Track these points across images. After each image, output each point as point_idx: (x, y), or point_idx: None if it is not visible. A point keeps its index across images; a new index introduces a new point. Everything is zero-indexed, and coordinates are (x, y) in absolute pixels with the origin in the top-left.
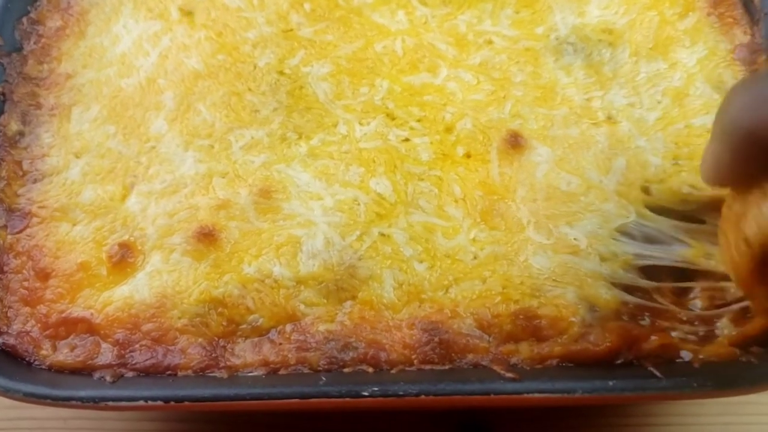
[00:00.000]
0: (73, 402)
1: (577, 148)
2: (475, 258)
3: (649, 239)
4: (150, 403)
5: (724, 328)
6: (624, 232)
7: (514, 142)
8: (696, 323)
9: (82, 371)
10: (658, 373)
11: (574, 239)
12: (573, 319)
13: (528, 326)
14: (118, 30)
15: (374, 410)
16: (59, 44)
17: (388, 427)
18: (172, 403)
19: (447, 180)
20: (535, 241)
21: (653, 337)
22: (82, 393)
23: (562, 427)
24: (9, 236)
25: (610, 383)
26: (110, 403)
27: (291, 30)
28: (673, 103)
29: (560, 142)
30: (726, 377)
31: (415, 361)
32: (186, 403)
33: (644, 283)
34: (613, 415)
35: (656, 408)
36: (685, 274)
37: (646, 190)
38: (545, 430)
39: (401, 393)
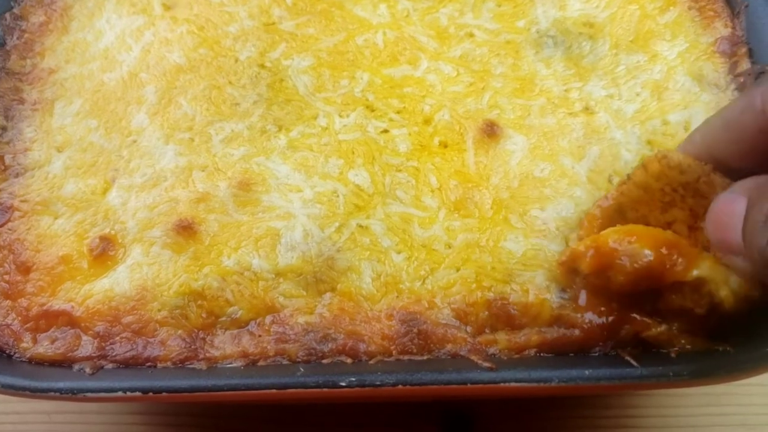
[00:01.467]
0: (52, 393)
1: (552, 137)
2: (449, 247)
3: None
4: (129, 394)
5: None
6: None
7: (490, 131)
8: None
9: (62, 363)
10: (634, 362)
11: (543, 223)
12: (545, 297)
13: (502, 314)
14: (102, 25)
15: (355, 401)
16: (42, 39)
17: (371, 418)
18: (151, 394)
19: (424, 170)
20: (506, 227)
21: (626, 326)
22: (61, 384)
23: (544, 418)
24: None
25: (587, 372)
26: (89, 395)
27: (273, 23)
28: (652, 95)
29: (536, 130)
30: (702, 367)
31: (394, 352)
32: (164, 394)
33: None
34: (593, 406)
35: (636, 400)
36: None
37: (610, 181)
38: (527, 423)
39: (378, 383)
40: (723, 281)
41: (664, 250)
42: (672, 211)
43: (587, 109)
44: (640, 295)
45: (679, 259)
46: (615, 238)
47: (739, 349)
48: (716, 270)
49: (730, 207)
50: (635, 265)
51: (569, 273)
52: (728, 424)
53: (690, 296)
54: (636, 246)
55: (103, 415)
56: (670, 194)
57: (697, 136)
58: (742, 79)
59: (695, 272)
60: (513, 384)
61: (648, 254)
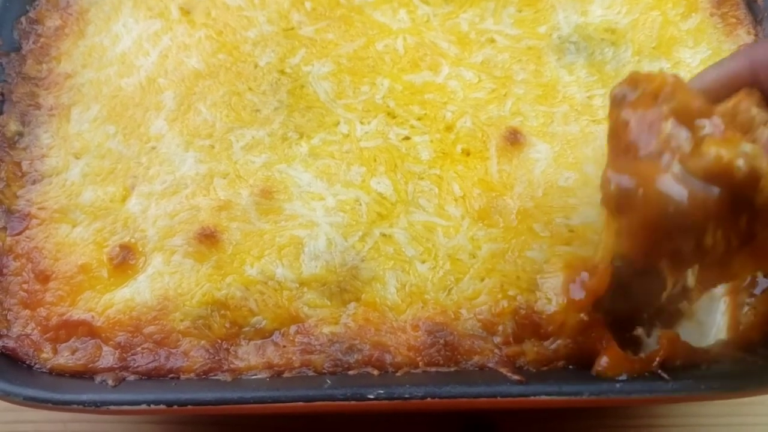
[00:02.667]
0: (75, 406)
1: (576, 145)
2: (474, 257)
3: None
4: (153, 407)
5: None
6: None
7: (513, 139)
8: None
9: (84, 375)
10: (665, 375)
11: (570, 230)
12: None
13: (528, 323)
14: (118, 29)
15: (382, 413)
16: (58, 44)
17: (391, 426)
18: (175, 407)
19: (446, 178)
20: (531, 236)
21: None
22: (84, 397)
23: (567, 428)
24: (8, 238)
25: (617, 385)
26: (112, 407)
27: (292, 29)
28: None
29: (559, 138)
30: (734, 379)
31: (421, 363)
32: (189, 407)
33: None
34: (617, 416)
35: (660, 409)
36: None
37: None
38: (549, 429)
39: (407, 396)
40: None
41: None
42: None
43: None
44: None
45: None
46: None
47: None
48: None
49: None
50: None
51: None
52: None
53: None
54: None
55: (119, 424)
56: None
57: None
58: None
59: None
60: (543, 397)
61: None
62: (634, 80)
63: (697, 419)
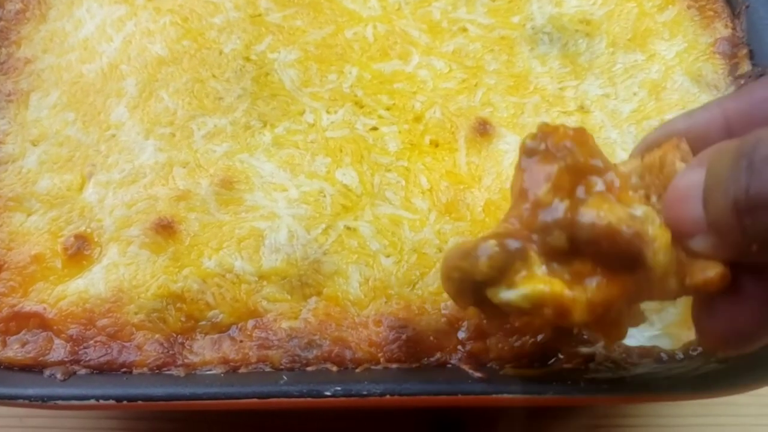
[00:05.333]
0: (21, 401)
1: None
2: (440, 251)
3: None
4: (102, 402)
5: None
6: None
7: (483, 130)
8: None
9: (33, 368)
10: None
11: None
12: None
13: (495, 319)
14: (81, 14)
15: (341, 410)
16: (18, 28)
17: (359, 423)
18: (125, 402)
19: (414, 170)
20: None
21: None
22: (31, 391)
23: (538, 426)
24: None
25: (582, 384)
26: (59, 402)
27: (259, 15)
28: (649, 95)
29: (530, 129)
30: (702, 379)
31: (382, 360)
32: (139, 402)
33: None
34: (587, 415)
35: (633, 408)
36: None
37: None
38: (518, 429)
39: (365, 393)
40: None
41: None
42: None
43: (582, 108)
44: None
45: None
46: None
47: (738, 363)
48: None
49: (687, 179)
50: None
51: None
52: None
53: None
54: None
55: (77, 420)
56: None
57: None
58: (742, 81)
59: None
60: (506, 395)
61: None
62: (544, 133)
63: (670, 419)
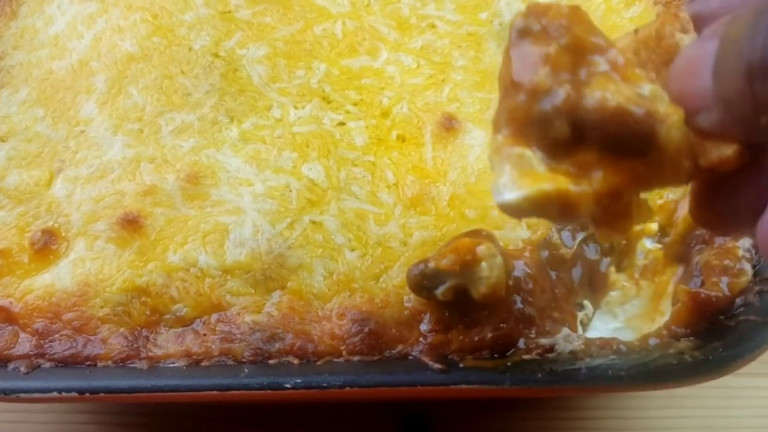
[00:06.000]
0: None
1: None
2: (405, 244)
3: None
4: (64, 394)
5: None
6: None
7: (449, 125)
8: None
9: None
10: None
11: (500, 213)
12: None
13: (457, 311)
14: (52, 11)
15: (303, 403)
16: None
17: (329, 417)
18: (88, 394)
19: (380, 165)
20: (463, 222)
21: None
22: None
23: (504, 419)
24: None
25: (539, 375)
26: (22, 395)
27: (229, 12)
28: None
29: None
30: (658, 370)
31: (344, 352)
32: (101, 394)
33: (565, 251)
34: (555, 408)
35: (597, 401)
36: None
37: None
38: (487, 422)
39: (325, 385)
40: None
41: None
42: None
43: None
44: None
45: None
46: None
47: (694, 353)
48: None
49: (697, 49)
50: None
51: None
52: (689, 427)
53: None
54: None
55: (51, 414)
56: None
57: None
58: None
59: None
60: (464, 386)
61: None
62: (536, 13)
63: (635, 412)
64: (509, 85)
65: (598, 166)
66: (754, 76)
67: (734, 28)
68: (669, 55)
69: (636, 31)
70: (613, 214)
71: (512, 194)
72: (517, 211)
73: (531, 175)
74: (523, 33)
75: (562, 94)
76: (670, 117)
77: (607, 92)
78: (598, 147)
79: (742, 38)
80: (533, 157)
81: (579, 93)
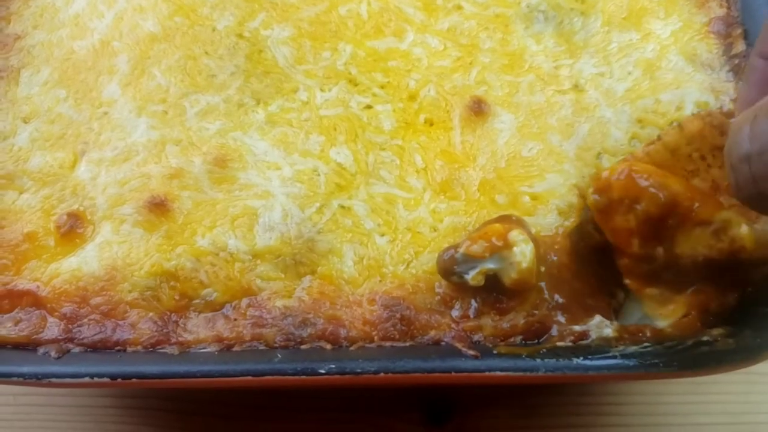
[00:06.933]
0: (15, 378)
1: (541, 115)
2: (434, 230)
3: None
4: (96, 380)
5: None
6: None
7: (478, 109)
8: None
9: (27, 346)
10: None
11: (533, 198)
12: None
13: (488, 297)
14: None
15: (335, 388)
16: (7, 3)
17: (353, 402)
18: (120, 380)
19: (408, 149)
20: (494, 208)
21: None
22: (25, 369)
23: (526, 405)
24: None
25: (574, 361)
26: (54, 380)
27: None
28: (644, 74)
29: (524, 108)
30: (691, 358)
31: (376, 338)
32: (134, 380)
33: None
34: (575, 393)
35: (618, 387)
36: None
37: (599, 158)
38: (508, 408)
39: (359, 371)
40: (743, 222)
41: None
42: (693, 181)
43: (576, 87)
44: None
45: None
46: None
47: (727, 341)
48: (737, 214)
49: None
50: (663, 193)
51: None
52: (710, 413)
53: (706, 240)
54: (666, 180)
55: (70, 397)
56: (696, 162)
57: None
58: (736, 61)
59: (722, 214)
60: (498, 373)
61: (678, 187)
62: (602, 190)
63: (658, 397)
64: (616, 250)
65: (707, 290)
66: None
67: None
68: (718, 145)
69: (681, 126)
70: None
71: (669, 321)
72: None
73: (672, 303)
74: (602, 209)
75: (659, 258)
76: (744, 237)
77: (694, 248)
78: (704, 277)
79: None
80: (664, 291)
81: (671, 254)
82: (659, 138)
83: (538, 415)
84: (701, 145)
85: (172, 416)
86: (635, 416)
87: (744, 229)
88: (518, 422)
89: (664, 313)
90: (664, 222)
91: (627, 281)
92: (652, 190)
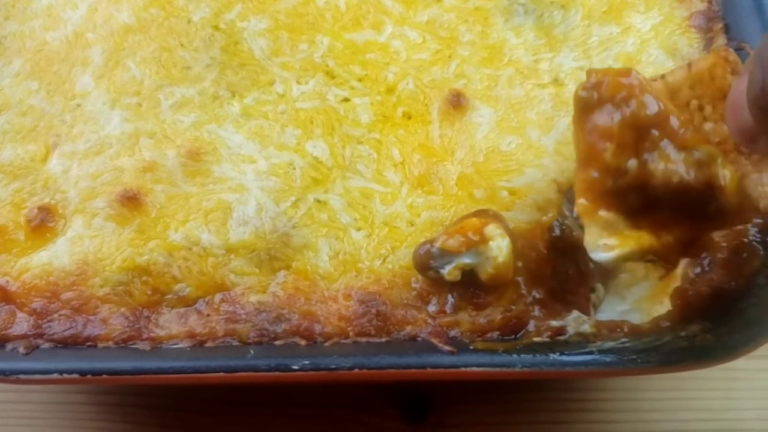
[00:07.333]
0: None
1: (520, 108)
2: (411, 225)
3: None
4: (65, 376)
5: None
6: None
7: (456, 102)
8: None
9: None
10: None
11: (511, 193)
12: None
13: (465, 292)
14: None
15: (310, 384)
16: None
17: (333, 398)
18: (89, 376)
19: (386, 143)
20: (471, 202)
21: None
22: None
23: (508, 400)
24: None
25: (551, 357)
26: (22, 377)
27: None
28: None
29: (503, 102)
30: (669, 354)
31: (351, 334)
32: (104, 376)
33: (578, 233)
34: (556, 389)
35: (600, 383)
36: None
37: None
38: (489, 404)
39: (333, 367)
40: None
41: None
42: None
43: (556, 81)
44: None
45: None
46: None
47: (705, 337)
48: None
49: (736, 88)
50: (661, 103)
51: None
52: (693, 408)
53: (687, 163)
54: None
55: (46, 394)
56: (692, 112)
57: None
58: None
59: (710, 148)
60: (475, 369)
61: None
62: (595, 84)
63: (641, 393)
64: (582, 159)
65: (673, 224)
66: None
67: (748, 68)
68: (722, 91)
69: (689, 66)
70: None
71: (607, 255)
72: (610, 265)
73: (619, 236)
74: (586, 106)
75: (630, 172)
76: (726, 178)
77: (669, 168)
78: (670, 209)
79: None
80: (617, 220)
81: (645, 170)
82: (663, 76)
83: (520, 411)
84: (704, 92)
85: (149, 412)
86: (618, 412)
87: (729, 171)
88: (500, 418)
89: (606, 245)
90: (647, 132)
91: (581, 201)
92: (649, 97)
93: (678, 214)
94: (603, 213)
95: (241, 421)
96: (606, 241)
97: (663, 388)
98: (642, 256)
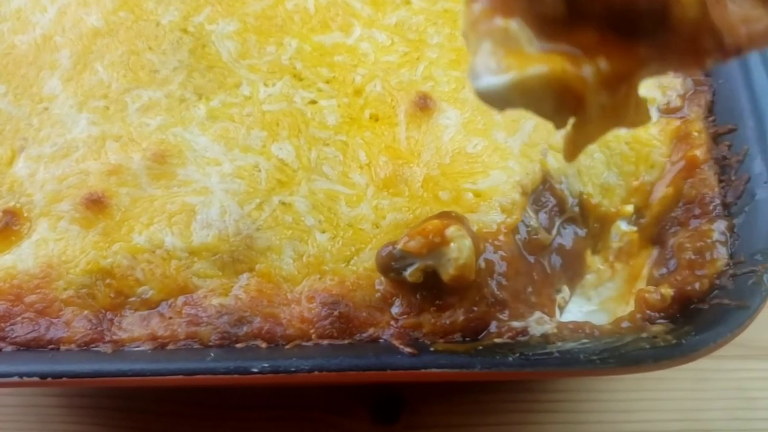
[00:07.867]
0: None
1: (486, 111)
2: (377, 227)
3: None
4: (25, 379)
5: None
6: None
7: (423, 105)
8: None
9: None
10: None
11: (476, 195)
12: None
13: (428, 294)
14: None
15: (271, 387)
16: None
17: (302, 400)
18: (50, 379)
19: (352, 145)
20: (437, 204)
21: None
22: None
23: (476, 401)
24: None
25: (510, 358)
26: None
27: None
28: None
29: (470, 104)
30: (629, 355)
31: (313, 336)
32: (64, 379)
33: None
34: (528, 390)
35: (571, 384)
36: None
37: (543, 154)
38: (459, 405)
39: (293, 369)
40: None
41: None
42: None
43: None
44: None
45: None
46: None
47: (666, 337)
48: None
49: None
50: None
51: None
52: (661, 409)
53: None
54: None
55: (17, 397)
56: None
57: None
58: None
59: None
60: (434, 370)
61: None
62: None
63: (611, 394)
64: None
65: (599, 48)
66: None
67: None
68: None
69: None
70: (623, 106)
71: (496, 78)
72: (500, 100)
73: (519, 55)
74: None
75: None
76: None
77: None
78: (599, 25)
79: None
80: (521, 32)
81: None
82: None
83: (490, 412)
84: None
85: (121, 414)
86: (589, 413)
87: None
88: (470, 419)
89: (499, 66)
90: None
91: (475, 5)
92: None
93: (608, 36)
94: (500, 21)
95: (213, 423)
96: (500, 61)
97: (632, 388)
98: (550, 95)
